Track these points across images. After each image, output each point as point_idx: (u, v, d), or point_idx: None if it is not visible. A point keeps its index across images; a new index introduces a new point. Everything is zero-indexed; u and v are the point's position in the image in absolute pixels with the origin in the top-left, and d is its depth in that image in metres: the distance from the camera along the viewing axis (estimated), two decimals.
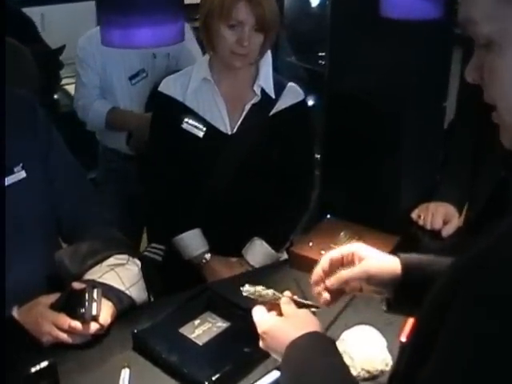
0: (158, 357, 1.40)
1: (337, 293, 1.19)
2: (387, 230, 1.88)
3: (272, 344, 1.10)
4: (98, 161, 2.78)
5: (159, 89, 2.04)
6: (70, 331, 1.42)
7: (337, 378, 0.99)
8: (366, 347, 1.38)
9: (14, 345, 1.38)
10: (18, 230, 1.50)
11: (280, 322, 1.11)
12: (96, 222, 1.67)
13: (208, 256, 2.03)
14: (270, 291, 1.18)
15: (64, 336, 1.43)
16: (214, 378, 1.31)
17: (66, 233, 1.67)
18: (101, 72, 2.53)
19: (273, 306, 1.17)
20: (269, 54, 2.02)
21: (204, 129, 1.97)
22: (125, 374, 1.36)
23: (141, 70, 2.55)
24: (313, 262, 1.77)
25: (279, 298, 1.16)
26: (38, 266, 1.55)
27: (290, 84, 2.06)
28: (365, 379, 1.36)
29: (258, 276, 1.80)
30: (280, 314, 1.14)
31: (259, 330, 1.12)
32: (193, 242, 2.04)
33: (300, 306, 1.16)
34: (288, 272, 1.81)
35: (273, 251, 2.02)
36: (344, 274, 1.17)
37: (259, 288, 1.18)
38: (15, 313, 1.45)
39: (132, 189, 2.63)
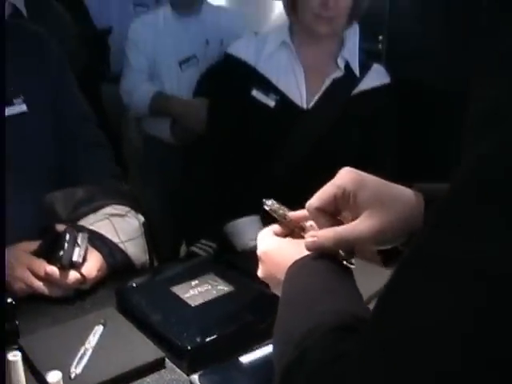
0: (140, 315, 1.16)
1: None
2: None
3: (272, 267, 0.82)
4: (140, 153, 2.61)
5: (228, 51, 1.84)
6: (47, 279, 1.21)
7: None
8: None
9: None
10: (17, 167, 1.33)
11: (287, 243, 0.83)
12: (100, 173, 1.47)
13: None
14: None
15: (39, 284, 1.22)
16: (198, 345, 1.06)
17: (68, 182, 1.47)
18: (150, 56, 2.40)
19: (293, 235, 0.86)
20: (356, 26, 1.80)
21: (276, 98, 1.74)
22: (97, 330, 1.13)
23: (192, 55, 2.41)
24: None
25: (306, 228, 0.84)
26: (33, 211, 1.36)
27: (376, 65, 1.83)
28: None
29: None
30: None
31: (258, 251, 0.85)
32: (249, 229, 1.75)
33: None
34: None
35: None
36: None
37: (286, 209, 0.85)
38: None
39: (175, 183, 2.45)
